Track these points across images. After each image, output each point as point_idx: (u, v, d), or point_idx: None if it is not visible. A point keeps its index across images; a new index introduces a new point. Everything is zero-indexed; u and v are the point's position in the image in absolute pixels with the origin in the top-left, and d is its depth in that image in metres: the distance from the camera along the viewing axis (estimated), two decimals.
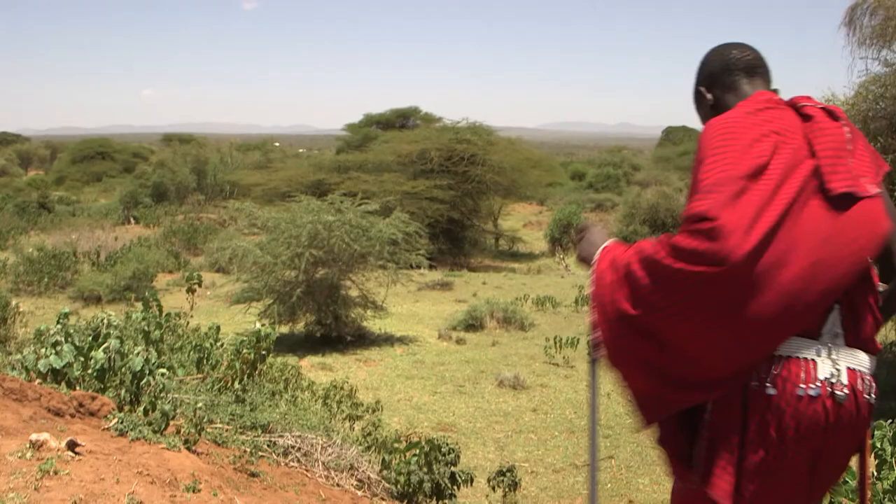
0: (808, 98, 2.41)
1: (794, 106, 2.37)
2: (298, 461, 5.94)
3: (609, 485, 9.47)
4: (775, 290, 2.09)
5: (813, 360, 2.15)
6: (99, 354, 5.52)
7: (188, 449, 4.72)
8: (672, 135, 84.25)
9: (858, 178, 2.21)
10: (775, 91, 2.53)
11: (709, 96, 2.57)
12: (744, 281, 2.08)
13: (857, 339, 2.21)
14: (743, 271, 2.06)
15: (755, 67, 2.50)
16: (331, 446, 6.20)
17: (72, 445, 3.47)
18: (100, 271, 26.67)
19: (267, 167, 49.75)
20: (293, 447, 6.03)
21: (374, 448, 7.08)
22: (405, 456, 6.68)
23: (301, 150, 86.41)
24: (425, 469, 6.48)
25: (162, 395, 5.23)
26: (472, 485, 7.12)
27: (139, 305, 7.59)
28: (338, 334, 17.88)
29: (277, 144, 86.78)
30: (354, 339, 17.94)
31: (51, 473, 3.13)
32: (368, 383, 14.31)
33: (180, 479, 3.72)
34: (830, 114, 2.31)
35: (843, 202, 2.18)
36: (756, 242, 2.05)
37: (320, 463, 5.96)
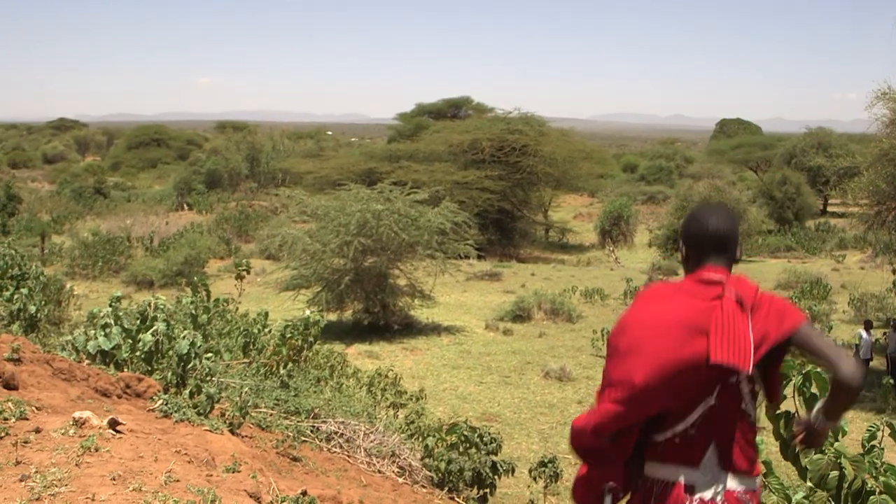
0: (739, 283, 2.85)
1: (718, 296, 2.83)
2: (341, 447, 5.97)
3: None
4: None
5: (692, 484, 2.72)
6: (146, 337, 5.59)
7: (231, 432, 4.77)
8: (726, 127, 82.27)
9: (742, 354, 2.68)
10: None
11: (684, 250, 3.05)
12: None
13: (731, 466, 2.75)
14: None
15: (725, 241, 2.94)
16: (373, 433, 6.22)
17: (113, 424, 3.53)
18: (153, 256, 27.13)
19: (319, 155, 50.04)
20: (336, 433, 6.06)
21: (416, 436, 7.09)
22: (446, 441, 6.68)
23: (353, 139, 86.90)
24: (465, 456, 6.47)
25: (208, 378, 5.28)
26: (513, 475, 7.10)
27: (190, 291, 7.68)
28: (385, 322, 17.96)
29: (330, 133, 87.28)
30: (401, 328, 18.00)
31: (92, 450, 3.19)
32: (414, 372, 14.35)
33: (220, 460, 3.76)
34: (740, 303, 2.78)
35: (722, 372, 2.71)
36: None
37: (362, 449, 5.99)
